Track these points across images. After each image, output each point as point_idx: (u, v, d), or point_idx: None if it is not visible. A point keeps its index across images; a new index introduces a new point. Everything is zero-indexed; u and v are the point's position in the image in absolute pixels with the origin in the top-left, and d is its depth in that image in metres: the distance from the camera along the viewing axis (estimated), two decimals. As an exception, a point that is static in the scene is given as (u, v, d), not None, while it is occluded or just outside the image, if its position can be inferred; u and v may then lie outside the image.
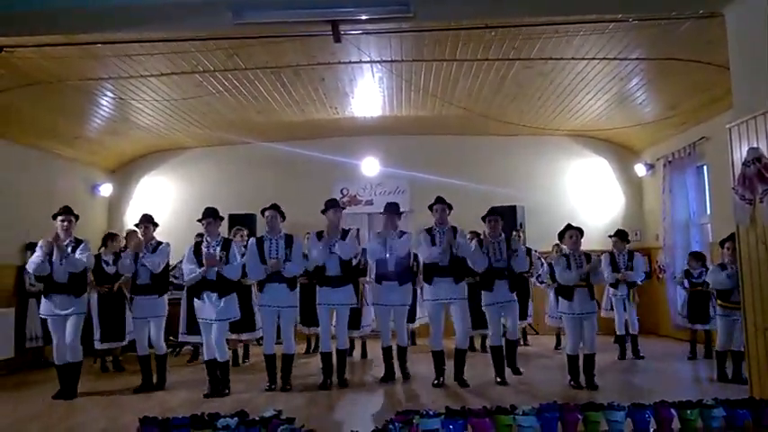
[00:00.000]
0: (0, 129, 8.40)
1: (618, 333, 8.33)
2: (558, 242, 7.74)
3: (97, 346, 7.99)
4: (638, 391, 6.08)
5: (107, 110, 8.90)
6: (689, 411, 4.49)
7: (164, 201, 11.50)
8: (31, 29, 5.50)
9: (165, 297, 6.81)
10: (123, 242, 8.16)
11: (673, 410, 4.54)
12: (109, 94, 8.21)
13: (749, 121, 4.82)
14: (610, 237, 8.53)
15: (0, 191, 8.52)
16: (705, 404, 4.56)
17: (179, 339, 8.65)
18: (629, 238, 11.12)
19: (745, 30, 4.92)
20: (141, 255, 6.63)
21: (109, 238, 8.17)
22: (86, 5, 4.84)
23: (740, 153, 4.94)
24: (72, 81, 7.51)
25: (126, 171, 11.78)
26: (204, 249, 6.32)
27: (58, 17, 5.11)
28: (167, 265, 6.87)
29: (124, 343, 8.16)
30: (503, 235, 6.90)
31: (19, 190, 8.86)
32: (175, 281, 8.27)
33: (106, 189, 11.33)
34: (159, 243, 6.77)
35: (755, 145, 4.75)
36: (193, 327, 8.22)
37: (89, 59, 6.92)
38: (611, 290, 8.38)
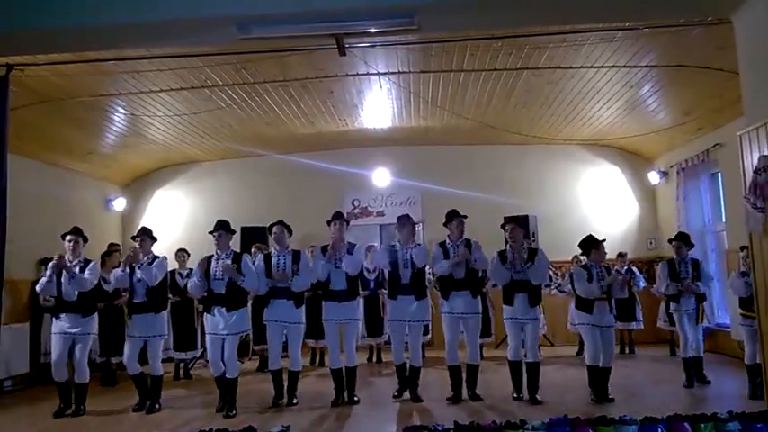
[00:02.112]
0: (14, 145, 8.42)
1: (683, 356, 7.05)
2: (577, 254, 7.47)
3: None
4: (650, 404, 5.97)
5: (119, 125, 8.98)
6: (703, 425, 4.41)
7: (177, 214, 11.60)
8: (41, 48, 5.56)
9: (164, 315, 6.66)
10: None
11: (687, 424, 4.46)
12: (120, 109, 8.28)
13: (760, 129, 4.73)
14: (670, 242, 7.44)
15: (14, 206, 8.57)
16: (720, 417, 4.47)
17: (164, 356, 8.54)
18: (647, 246, 11.17)
19: (754, 36, 4.85)
20: (138, 267, 6.42)
21: (106, 254, 8.19)
22: (92, 24, 4.86)
23: (751, 161, 4.84)
24: (83, 97, 7.58)
25: (139, 185, 11.88)
26: (214, 263, 6.32)
27: (66, 36, 5.15)
28: (165, 279, 6.67)
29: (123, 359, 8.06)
30: (525, 244, 6.69)
31: (33, 205, 8.94)
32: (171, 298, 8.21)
33: (120, 203, 11.44)
34: (156, 257, 6.60)
35: (766, 152, 4.66)
36: (180, 343, 8.48)
37: (100, 76, 6.99)
38: (673, 304, 7.15)
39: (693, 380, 6.97)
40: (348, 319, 6.59)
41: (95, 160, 10.26)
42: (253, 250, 8.30)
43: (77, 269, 6.41)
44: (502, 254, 6.61)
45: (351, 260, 6.53)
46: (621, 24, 6.06)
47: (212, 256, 6.42)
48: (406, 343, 6.72)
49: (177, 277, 8.62)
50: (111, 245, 8.56)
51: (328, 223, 6.68)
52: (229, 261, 6.28)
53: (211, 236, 6.46)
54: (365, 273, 8.45)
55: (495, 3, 4.75)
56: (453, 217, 6.63)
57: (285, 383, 6.52)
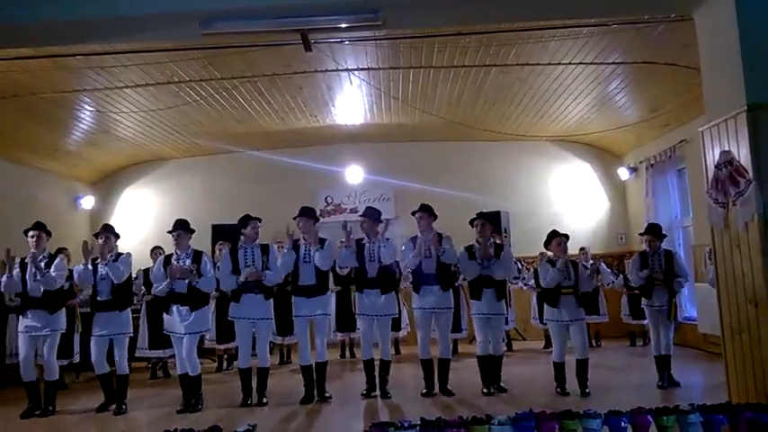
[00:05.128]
0: (-24, 143, 8.33)
1: (655, 354, 6.79)
2: (543, 251, 7.54)
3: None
4: (618, 398, 6.01)
5: (86, 122, 8.83)
6: (665, 417, 4.45)
7: (146, 212, 11.44)
8: (-1, 42, 5.43)
9: (129, 312, 6.53)
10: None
11: (649, 417, 4.50)
12: (86, 106, 8.15)
13: (720, 124, 4.80)
14: (641, 235, 7.23)
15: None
16: (681, 410, 4.51)
17: (136, 354, 8.42)
18: (617, 241, 11.29)
19: (714, 32, 4.90)
20: (100, 265, 6.30)
21: (59, 252, 8.05)
22: (52, 18, 4.76)
23: (713, 156, 4.91)
24: (47, 94, 7.44)
25: (108, 183, 11.71)
26: (174, 262, 6.21)
27: (25, 30, 5.04)
28: (130, 277, 6.59)
29: (75, 360, 7.99)
30: (492, 239, 6.74)
31: (-2, 204, 8.78)
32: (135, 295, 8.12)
33: (88, 201, 11.26)
34: (120, 254, 6.46)
35: (727, 148, 4.73)
36: (155, 341, 8.24)
37: (63, 72, 6.86)
38: (645, 300, 6.88)
39: (666, 379, 6.67)
40: (318, 314, 6.53)
41: (62, 158, 10.08)
42: (218, 247, 8.21)
43: (42, 264, 6.28)
44: (469, 249, 6.65)
45: (323, 254, 6.45)
46: (587, 21, 6.09)
47: (172, 255, 6.31)
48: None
49: (151, 275, 8.49)
50: (60, 249, 8.32)
51: (295, 218, 6.64)
52: (189, 261, 6.19)
53: (170, 235, 6.36)
54: (337, 269, 8.43)
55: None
56: (419, 210, 6.65)
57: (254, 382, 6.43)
